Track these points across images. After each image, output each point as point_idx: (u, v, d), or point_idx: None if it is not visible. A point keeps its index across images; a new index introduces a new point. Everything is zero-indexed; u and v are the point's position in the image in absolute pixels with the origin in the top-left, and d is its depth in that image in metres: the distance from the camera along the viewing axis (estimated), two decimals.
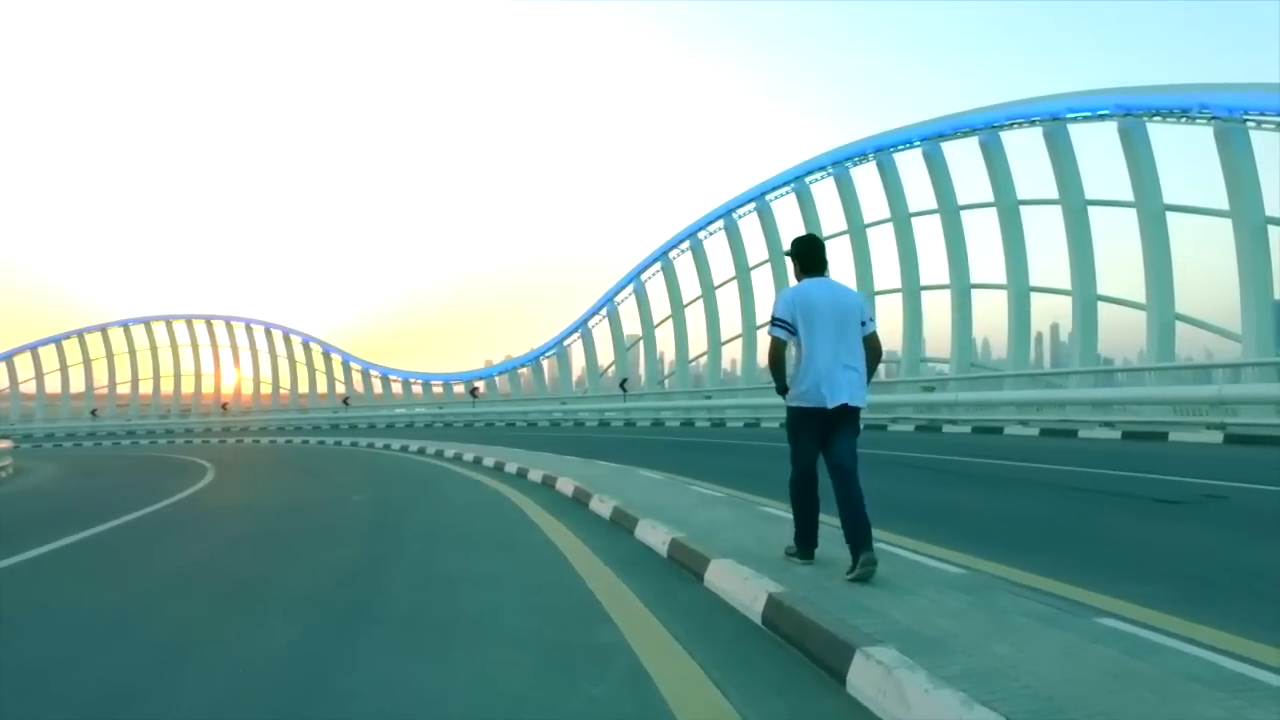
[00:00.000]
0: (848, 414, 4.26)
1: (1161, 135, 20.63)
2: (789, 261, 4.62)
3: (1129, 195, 21.30)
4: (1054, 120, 22.20)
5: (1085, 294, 22.48)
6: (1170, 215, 20.93)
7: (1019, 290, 24.32)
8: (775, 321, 4.32)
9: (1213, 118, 18.90)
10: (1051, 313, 26.26)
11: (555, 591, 4.73)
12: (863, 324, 4.33)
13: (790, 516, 4.63)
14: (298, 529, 7.88)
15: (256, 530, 7.87)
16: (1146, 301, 20.94)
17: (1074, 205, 22.47)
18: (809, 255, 4.49)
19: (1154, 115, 20.09)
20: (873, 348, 4.39)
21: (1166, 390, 15.79)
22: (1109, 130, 21.26)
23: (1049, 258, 32.01)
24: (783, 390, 4.41)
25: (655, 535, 5.92)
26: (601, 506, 7.60)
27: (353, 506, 9.72)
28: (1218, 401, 13.98)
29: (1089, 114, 21.48)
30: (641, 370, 40.41)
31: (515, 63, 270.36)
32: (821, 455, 4.37)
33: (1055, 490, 8.39)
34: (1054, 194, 23.06)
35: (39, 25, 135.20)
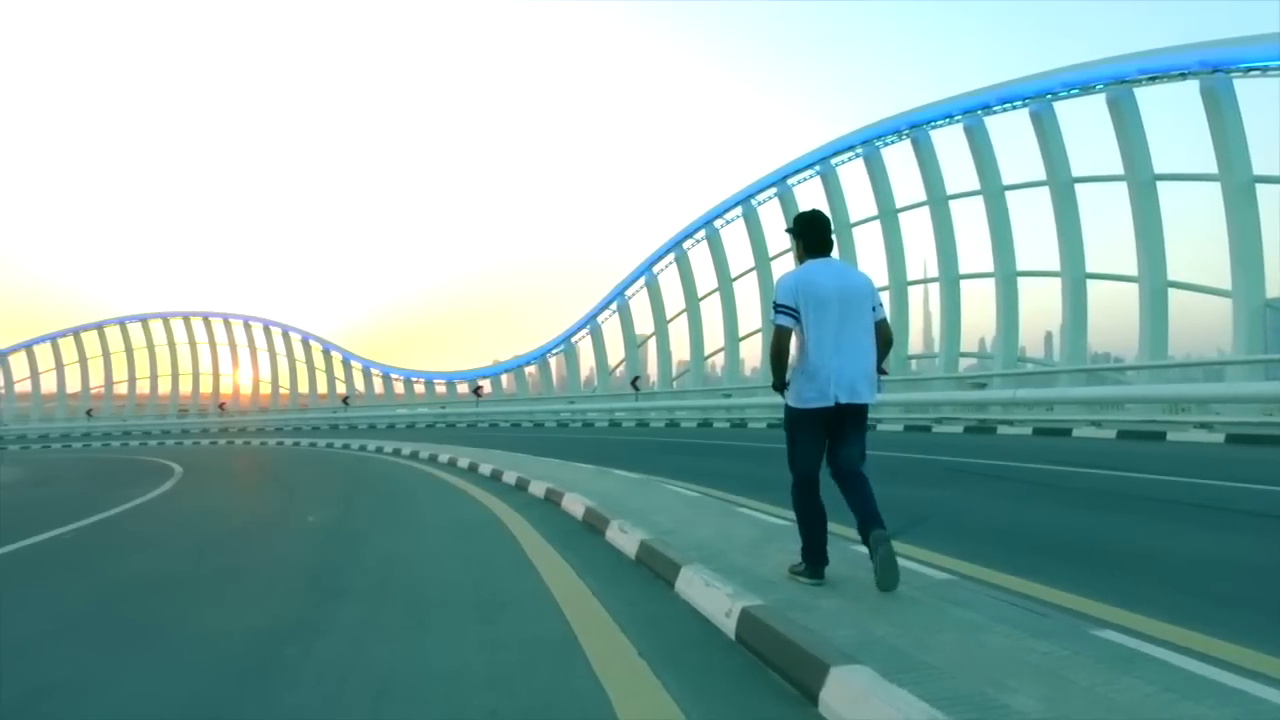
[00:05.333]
0: (855, 412, 3.88)
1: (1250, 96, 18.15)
2: (794, 241, 4.15)
3: (1205, 167, 18.95)
4: (1120, 84, 19.77)
5: (1154, 280, 20.08)
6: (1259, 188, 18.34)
7: (1074, 277, 21.99)
8: (779, 308, 3.88)
9: None
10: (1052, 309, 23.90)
11: None
12: (873, 310, 3.94)
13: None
14: (210, 571, 5.81)
15: (152, 574, 5.77)
16: (1232, 287, 18.54)
17: (1141, 180, 20.05)
18: (812, 233, 4.04)
19: (1249, 71, 17.52)
20: (883, 336, 3.99)
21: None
22: (1184, 93, 18.89)
23: (1098, 241, 29.81)
24: (780, 386, 3.96)
25: (711, 597, 3.93)
26: (624, 539, 5.64)
27: (300, 534, 7.63)
28: None
29: (1162, 73, 19.03)
30: (653, 368, 38.41)
31: (519, 49, 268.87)
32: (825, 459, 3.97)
33: (1233, 517, 6.21)
34: (1116, 169, 20.72)
35: (38, 19, 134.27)
